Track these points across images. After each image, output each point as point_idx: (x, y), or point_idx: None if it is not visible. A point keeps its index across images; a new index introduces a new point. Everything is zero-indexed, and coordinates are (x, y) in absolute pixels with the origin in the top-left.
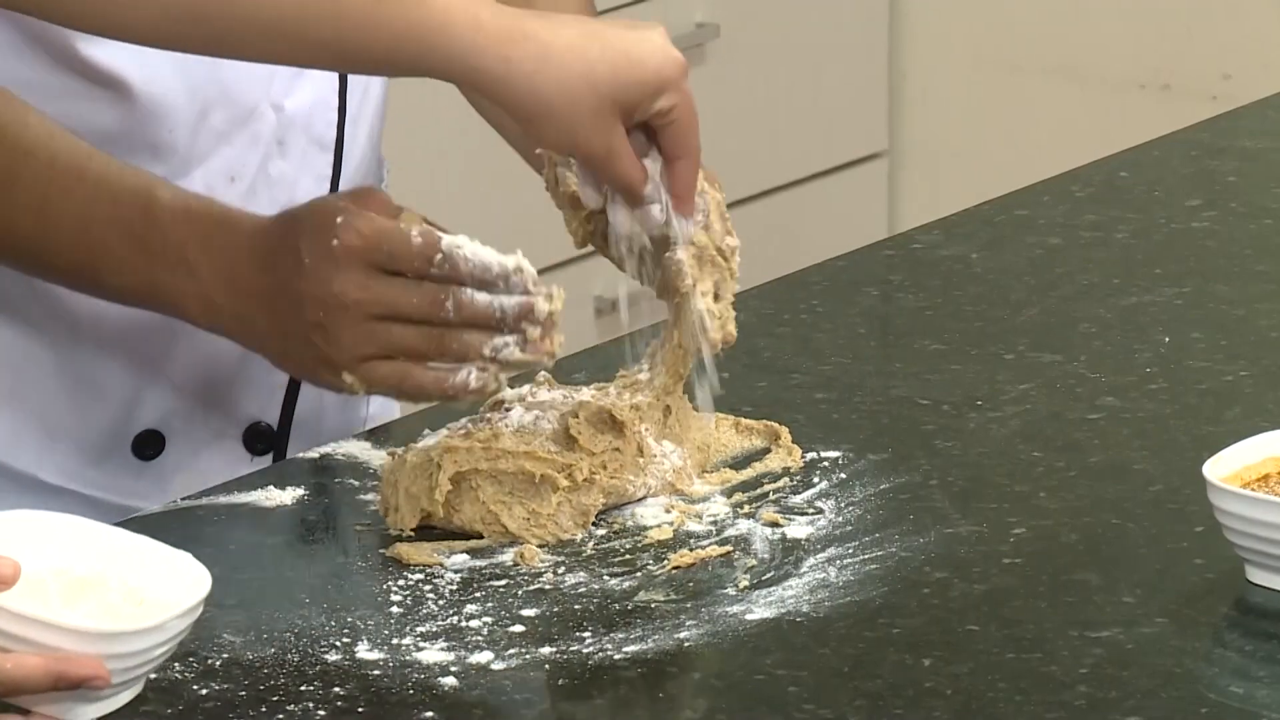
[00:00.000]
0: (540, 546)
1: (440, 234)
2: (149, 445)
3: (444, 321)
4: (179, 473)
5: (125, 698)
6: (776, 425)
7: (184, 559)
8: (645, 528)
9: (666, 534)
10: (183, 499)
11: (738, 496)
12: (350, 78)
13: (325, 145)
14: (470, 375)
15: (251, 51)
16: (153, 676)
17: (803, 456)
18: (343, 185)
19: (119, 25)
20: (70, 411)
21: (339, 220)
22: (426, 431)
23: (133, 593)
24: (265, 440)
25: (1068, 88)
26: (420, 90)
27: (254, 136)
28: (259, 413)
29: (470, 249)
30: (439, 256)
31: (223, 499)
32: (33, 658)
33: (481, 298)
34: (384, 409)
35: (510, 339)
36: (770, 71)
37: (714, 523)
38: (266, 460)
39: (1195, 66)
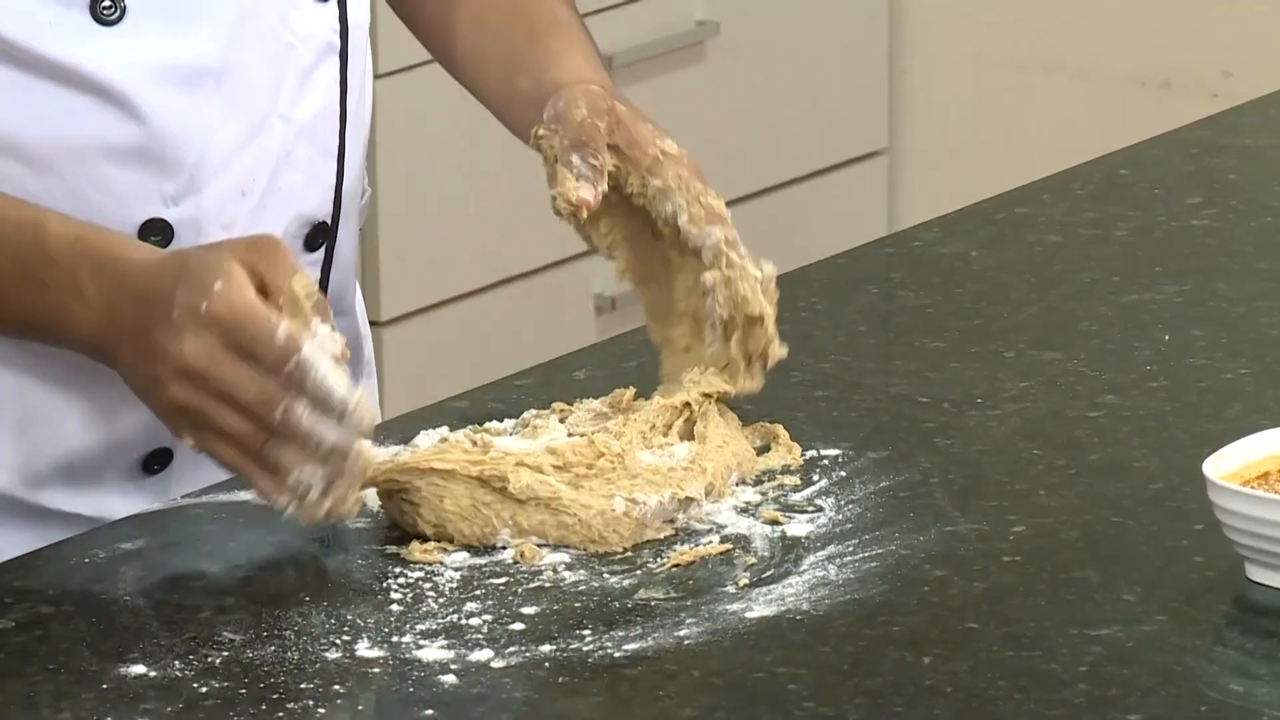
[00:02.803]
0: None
1: (304, 337)
2: (156, 460)
3: (267, 425)
4: (181, 484)
5: None
6: (770, 425)
7: None
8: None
9: (667, 530)
10: (183, 496)
11: (737, 495)
12: (348, 81)
13: (330, 153)
14: (292, 506)
15: None
16: (152, 674)
17: (802, 454)
18: (346, 194)
19: None
20: (84, 439)
21: (217, 286)
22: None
23: None
24: None
25: (1068, 85)
26: (414, 91)
27: (263, 149)
28: None
29: (324, 369)
30: (293, 363)
31: (223, 497)
32: None
33: (308, 420)
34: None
35: (317, 476)
36: (770, 69)
37: (714, 520)
38: None
39: (1195, 64)
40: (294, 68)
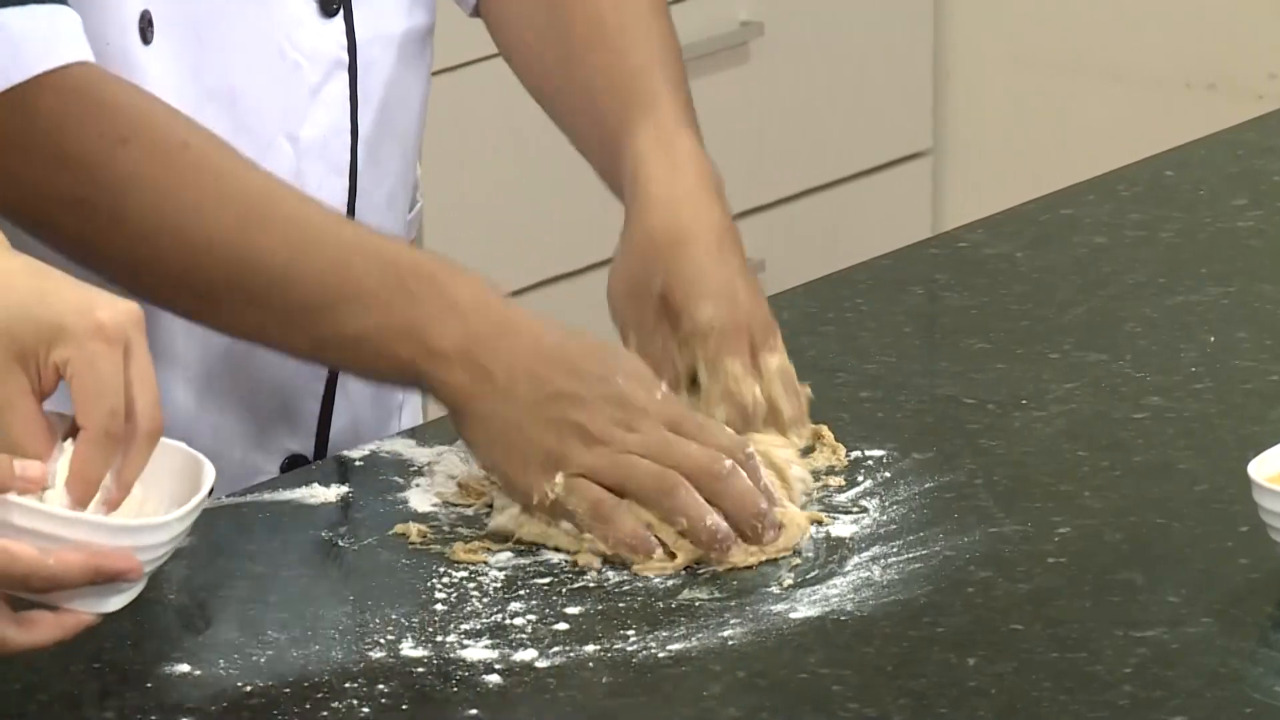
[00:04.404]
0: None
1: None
2: None
3: (703, 489)
4: None
5: (137, 590)
6: (815, 425)
7: (180, 449)
8: None
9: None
10: (228, 495)
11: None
12: (359, 97)
13: (340, 170)
14: (657, 548)
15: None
16: (196, 673)
17: (847, 455)
18: (358, 212)
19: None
20: None
21: (679, 418)
22: None
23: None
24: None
25: (1113, 87)
26: (458, 89)
27: (272, 170)
28: (296, 445)
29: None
30: (745, 454)
31: (268, 496)
32: (72, 554)
33: (747, 484)
34: (413, 418)
35: (729, 532)
36: (814, 70)
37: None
38: None
39: (1241, 66)
40: (300, 86)
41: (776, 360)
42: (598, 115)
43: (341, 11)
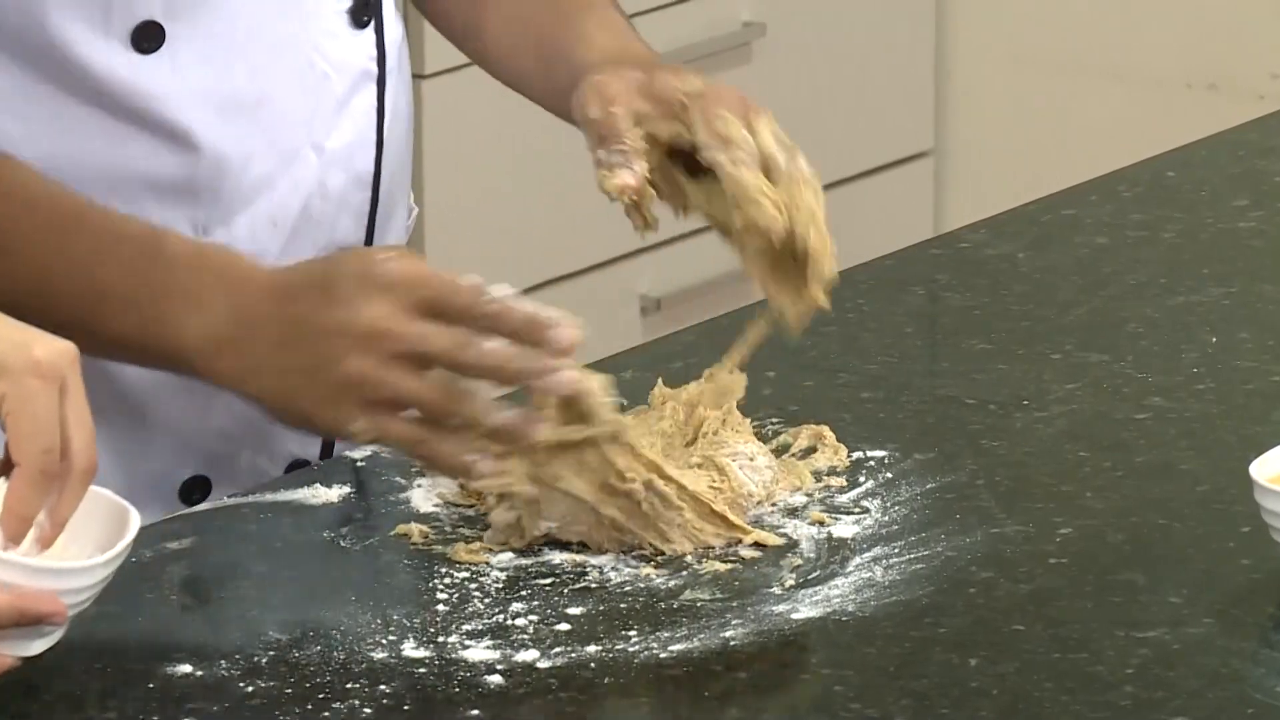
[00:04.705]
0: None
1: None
2: (195, 490)
3: (461, 369)
4: None
5: (59, 635)
6: (816, 426)
7: (105, 496)
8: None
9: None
10: (229, 496)
11: (784, 496)
12: (385, 106)
13: (364, 181)
14: (485, 463)
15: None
16: (198, 673)
17: (849, 456)
18: (380, 221)
19: None
20: (119, 469)
21: (380, 256)
22: None
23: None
24: None
25: (1114, 87)
26: (458, 91)
27: (296, 180)
28: (300, 450)
29: (513, 300)
30: (485, 299)
31: (269, 497)
32: None
33: (505, 348)
34: None
35: (514, 419)
36: (816, 70)
37: (756, 520)
38: None
39: (1242, 66)
40: (328, 97)
41: (766, 122)
42: (540, 32)
43: (373, 23)
